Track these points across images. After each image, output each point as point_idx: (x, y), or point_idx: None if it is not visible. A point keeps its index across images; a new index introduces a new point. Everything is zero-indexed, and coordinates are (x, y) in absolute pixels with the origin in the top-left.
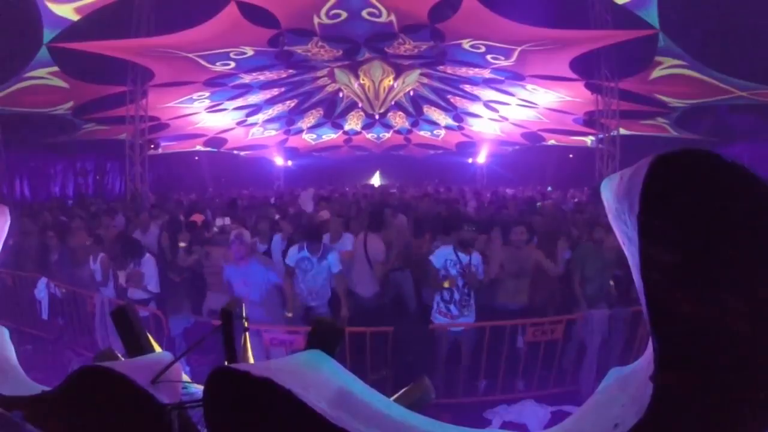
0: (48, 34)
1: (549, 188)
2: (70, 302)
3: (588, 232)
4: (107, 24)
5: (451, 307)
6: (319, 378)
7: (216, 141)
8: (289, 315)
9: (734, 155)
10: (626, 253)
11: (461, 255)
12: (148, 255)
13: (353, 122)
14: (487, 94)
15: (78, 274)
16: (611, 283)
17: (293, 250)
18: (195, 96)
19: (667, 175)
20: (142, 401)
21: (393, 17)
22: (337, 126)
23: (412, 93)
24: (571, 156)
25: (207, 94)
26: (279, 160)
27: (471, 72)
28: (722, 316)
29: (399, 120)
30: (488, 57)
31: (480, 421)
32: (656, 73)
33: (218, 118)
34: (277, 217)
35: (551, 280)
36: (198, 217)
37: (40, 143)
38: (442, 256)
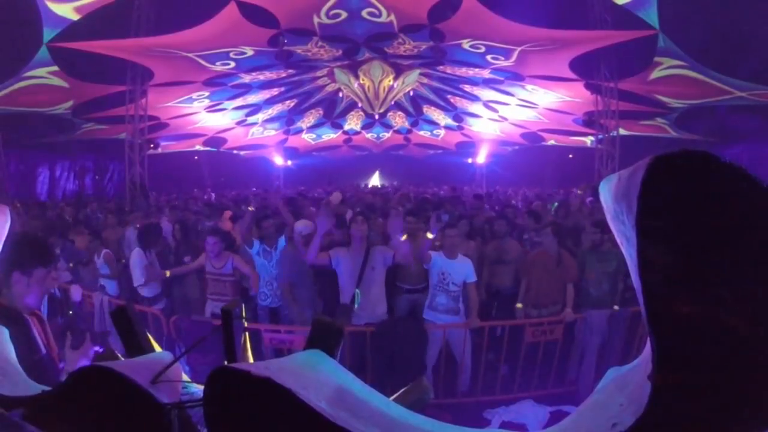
0: (48, 34)
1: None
2: (69, 302)
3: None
4: (107, 24)
5: (439, 312)
6: (318, 377)
7: (215, 141)
8: None
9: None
10: (624, 253)
11: (448, 260)
12: (137, 249)
13: (353, 122)
14: (487, 94)
15: (83, 273)
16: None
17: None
18: (194, 96)
19: (666, 176)
20: (142, 401)
21: (393, 17)
22: (337, 126)
23: (411, 93)
24: (570, 156)
25: (206, 93)
26: (279, 160)
27: (471, 72)
28: (721, 316)
29: (399, 120)
30: (488, 57)
31: (479, 421)
32: (656, 73)
33: (218, 117)
34: None
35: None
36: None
37: (40, 143)
38: (435, 258)
